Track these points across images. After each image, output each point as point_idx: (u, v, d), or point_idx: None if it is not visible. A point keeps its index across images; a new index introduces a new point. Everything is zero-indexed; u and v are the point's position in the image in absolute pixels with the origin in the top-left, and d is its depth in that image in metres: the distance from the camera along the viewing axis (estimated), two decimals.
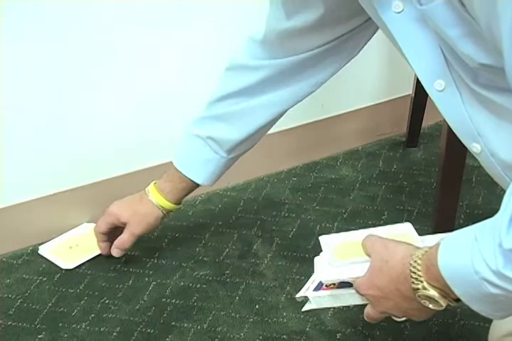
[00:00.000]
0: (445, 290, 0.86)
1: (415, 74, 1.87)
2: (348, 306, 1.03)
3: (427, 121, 1.91)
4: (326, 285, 1.04)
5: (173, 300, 1.42)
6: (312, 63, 1.24)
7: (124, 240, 1.43)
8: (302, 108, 1.76)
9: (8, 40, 1.35)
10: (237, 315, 1.39)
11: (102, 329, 1.36)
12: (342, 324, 1.37)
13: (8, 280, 1.46)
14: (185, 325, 1.37)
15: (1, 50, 1.36)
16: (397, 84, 1.90)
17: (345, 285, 1.02)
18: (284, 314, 1.39)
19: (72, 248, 1.54)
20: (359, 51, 1.23)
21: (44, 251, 1.54)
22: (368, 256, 0.97)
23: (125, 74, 1.51)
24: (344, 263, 1.02)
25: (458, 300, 0.85)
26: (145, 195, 1.41)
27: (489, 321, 1.05)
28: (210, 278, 1.47)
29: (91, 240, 1.49)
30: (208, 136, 1.34)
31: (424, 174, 1.79)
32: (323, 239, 1.09)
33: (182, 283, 1.46)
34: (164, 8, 1.48)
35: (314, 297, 1.05)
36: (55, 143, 1.50)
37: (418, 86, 1.83)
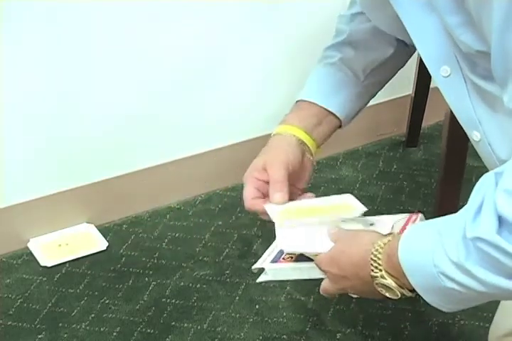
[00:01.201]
0: (402, 280, 0.87)
1: (415, 74, 1.88)
2: (306, 280, 1.03)
3: (427, 121, 1.91)
4: (283, 258, 1.03)
5: (173, 300, 1.42)
6: None
7: (275, 175, 1.05)
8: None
9: (8, 40, 1.35)
10: (237, 315, 1.39)
11: (102, 329, 1.36)
12: (342, 324, 1.37)
13: (8, 280, 1.46)
14: (185, 325, 1.37)
15: (1, 49, 1.36)
16: (397, 84, 1.90)
17: (303, 258, 1.01)
18: (284, 314, 1.39)
19: (61, 246, 1.54)
20: None
21: (33, 244, 1.54)
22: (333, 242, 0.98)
23: (125, 74, 1.51)
24: (295, 222, 1.01)
25: (413, 290, 0.87)
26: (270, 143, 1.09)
27: (489, 321, 1.05)
28: (210, 278, 1.47)
29: (82, 240, 1.50)
30: (341, 58, 1.11)
31: (424, 174, 1.79)
32: (268, 207, 1.04)
33: (182, 283, 1.46)
34: (162, 8, 1.48)
35: (271, 269, 1.02)
36: (55, 143, 1.50)
37: (418, 86, 1.83)
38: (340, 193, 1.76)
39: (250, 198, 1.07)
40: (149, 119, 1.59)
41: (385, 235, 0.92)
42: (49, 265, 1.50)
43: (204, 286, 1.45)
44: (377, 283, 0.90)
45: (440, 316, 1.38)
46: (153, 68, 1.53)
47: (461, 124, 0.96)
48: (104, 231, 1.58)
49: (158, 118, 1.60)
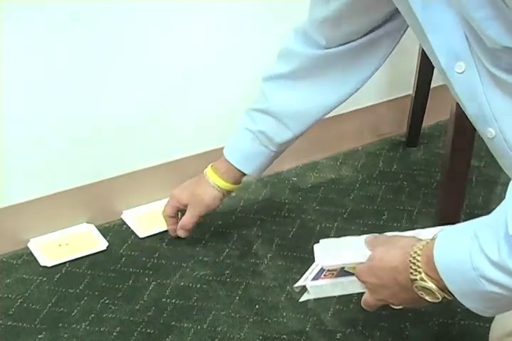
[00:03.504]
0: (442, 283, 0.86)
1: (416, 74, 1.87)
2: (348, 295, 1.03)
3: (427, 121, 1.91)
4: (325, 275, 1.04)
5: (173, 300, 1.42)
6: (360, 51, 1.24)
7: (186, 221, 1.47)
8: None
9: (9, 40, 1.35)
10: (237, 315, 1.39)
11: (102, 329, 1.36)
12: (342, 324, 1.37)
13: (8, 280, 1.46)
14: (185, 325, 1.37)
15: (1, 49, 1.36)
16: (397, 84, 1.90)
17: (343, 273, 1.02)
18: (284, 314, 1.39)
19: (61, 246, 1.54)
20: (404, 32, 1.21)
21: (33, 244, 1.54)
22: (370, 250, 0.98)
23: (125, 73, 1.51)
24: (342, 244, 1.04)
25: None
26: (203, 176, 1.44)
27: (489, 321, 1.05)
28: (210, 278, 1.47)
29: (82, 240, 1.50)
30: (259, 130, 1.36)
31: (424, 174, 1.79)
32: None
33: (182, 283, 1.46)
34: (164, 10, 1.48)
35: (312, 286, 1.05)
36: (55, 143, 1.50)
37: (419, 86, 1.83)
38: (340, 193, 1.77)
39: (169, 216, 1.51)
40: (149, 120, 1.59)
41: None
42: (49, 265, 1.50)
43: (204, 286, 1.45)
44: (416, 286, 0.88)
45: (440, 316, 1.38)
46: (155, 68, 1.53)
47: (473, 122, 0.95)
48: (104, 231, 1.58)
49: (158, 119, 1.60)
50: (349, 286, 1.03)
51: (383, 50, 1.25)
